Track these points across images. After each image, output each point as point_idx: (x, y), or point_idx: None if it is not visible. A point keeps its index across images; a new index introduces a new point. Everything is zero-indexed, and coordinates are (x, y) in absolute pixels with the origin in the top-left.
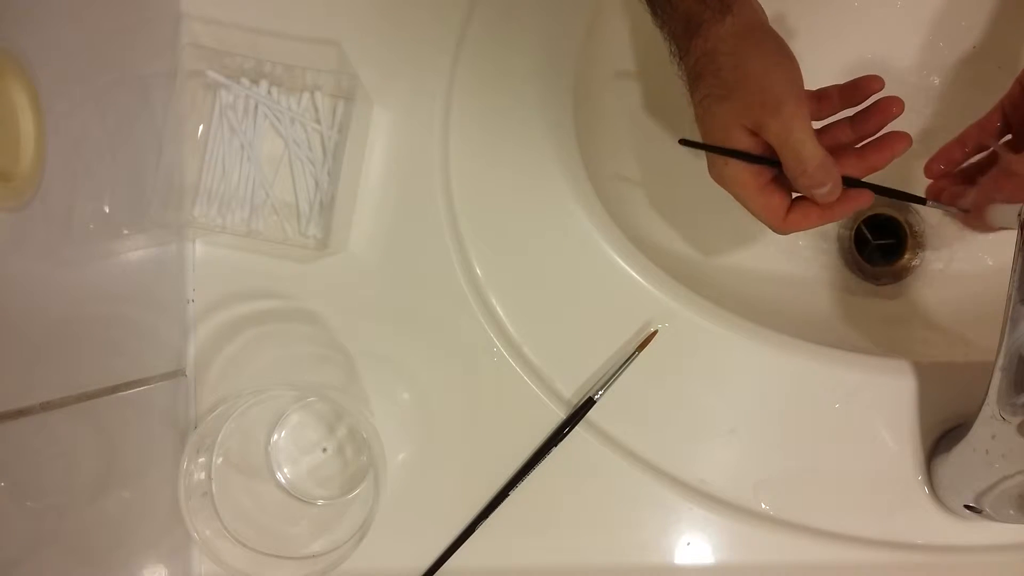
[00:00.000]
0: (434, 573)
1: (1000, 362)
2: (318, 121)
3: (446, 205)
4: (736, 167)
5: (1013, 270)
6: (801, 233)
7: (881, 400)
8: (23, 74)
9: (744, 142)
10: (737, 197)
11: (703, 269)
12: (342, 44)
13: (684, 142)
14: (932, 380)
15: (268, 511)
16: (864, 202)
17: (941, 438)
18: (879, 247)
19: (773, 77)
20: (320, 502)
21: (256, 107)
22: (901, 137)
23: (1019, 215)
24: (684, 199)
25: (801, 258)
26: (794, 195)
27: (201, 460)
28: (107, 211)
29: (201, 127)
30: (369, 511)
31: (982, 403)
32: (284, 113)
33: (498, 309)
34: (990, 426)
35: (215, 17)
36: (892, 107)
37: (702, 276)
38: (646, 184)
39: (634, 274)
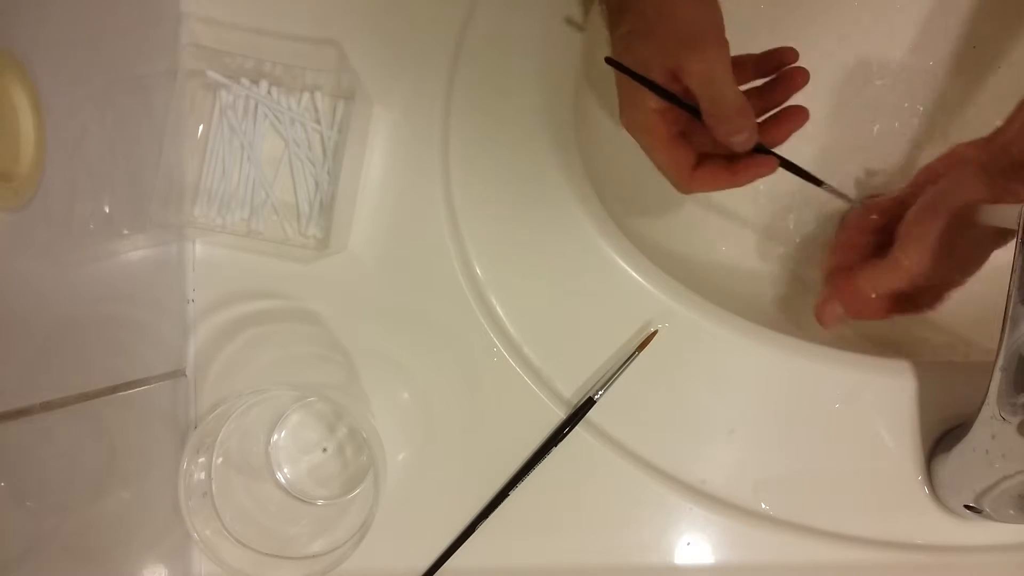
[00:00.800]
0: (434, 573)
1: (1000, 362)
2: (318, 121)
3: (446, 205)
4: (648, 115)
5: (1013, 270)
6: (801, 233)
7: (881, 400)
8: (23, 74)
9: (662, 83)
10: (644, 146)
11: (703, 269)
12: (342, 44)
13: (610, 61)
14: (932, 380)
15: (268, 511)
16: (769, 169)
17: (941, 438)
18: None
19: (697, 17)
20: (320, 502)
21: (256, 107)
22: (799, 111)
23: (1019, 215)
24: (684, 199)
25: (801, 258)
26: (700, 158)
27: (201, 460)
28: (107, 211)
29: (201, 127)
30: (369, 511)
31: (982, 403)
32: (284, 113)
33: (498, 309)
34: (990, 426)
35: (215, 17)
36: (798, 77)
37: (702, 276)
38: (646, 184)
39: (634, 274)
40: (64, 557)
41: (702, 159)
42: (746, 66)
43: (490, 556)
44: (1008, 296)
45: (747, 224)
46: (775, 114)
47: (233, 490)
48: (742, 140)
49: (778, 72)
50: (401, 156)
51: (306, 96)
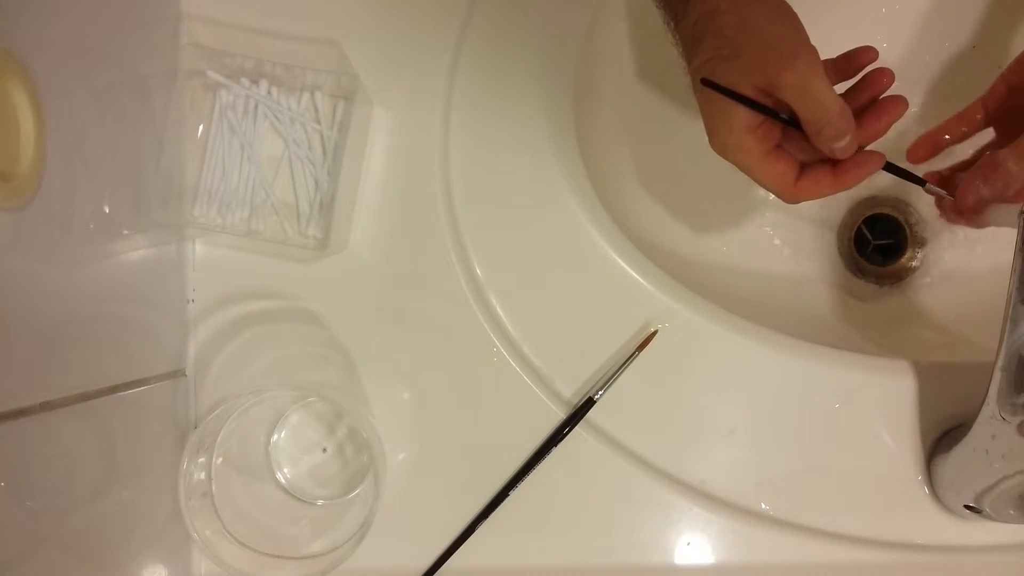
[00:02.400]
0: (434, 573)
1: (1000, 362)
2: (318, 121)
3: (446, 205)
4: (740, 135)
5: (1013, 270)
6: (801, 233)
7: (881, 400)
8: (23, 74)
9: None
10: (742, 166)
11: (703, 269)
12: (342, 44)
13: (706, 82)
14: (932, 380)
15: (268, 511)
16: (875, 165)
17: (941, 438)
18: (879, 247)
19: (782, 31)
20: (320, 502)
21: (256, 107)
22: (897, 101)
23: (1019, 215)
24: (684, 199)
25: (801, 258)
26: (801, 167)
27: (201, 460)
28: (107, 211)
29: (201, 127)
30: (369, 511)
31: (982, 403)
32: (284, 113)
33: (498, 309)
34: (990, 426)
35: (215, 17)
36: (883, 78)
37: (702, 276)
38: (646, 184)
39: (634, 274)
40: (64, 557)
41: (803, 168)
42: (826, 71)
43: (490, 556)
44: (1008, 296)
45: (747, 224)
46: (872, 107)
47: (233, 490)
48: (844, 145)
49: (860, 73)
50: (401, 156)
51: (306, 96)
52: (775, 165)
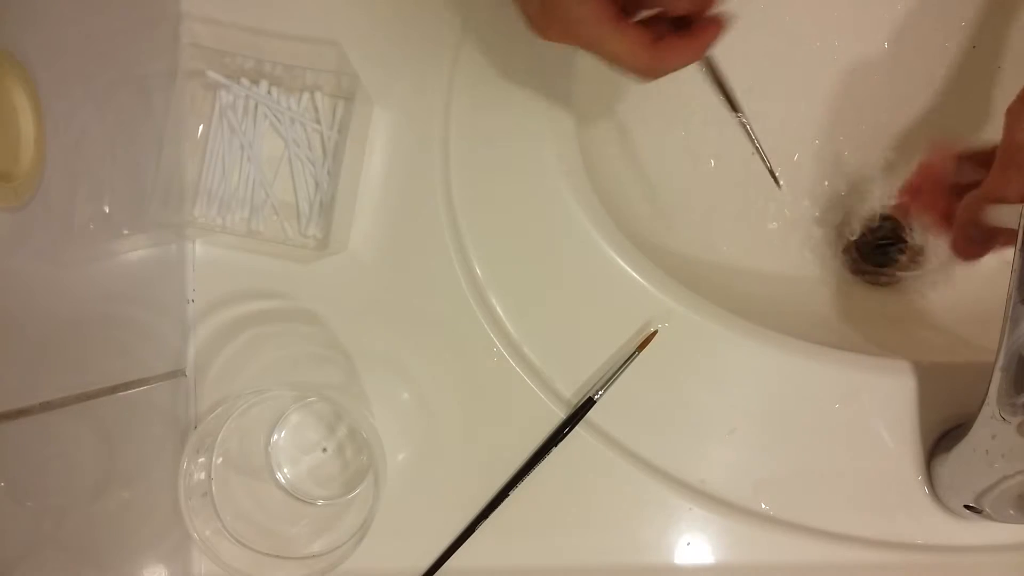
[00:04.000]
0: (434, 573)
1: (1000, 362)
2: (318, 121)
3: (446, 205)
4: (581, 5)
5: (1013, 270)
6: (801, 233)
7: (881, 400)
8: (23, 74)
9: None
10: (590, 41)
11: (703, 269)
12: (342, 44)
13: None
14: (932, 380)
15: (268, 511)
16: (720, 26)
17: (941, 438)
18: (879, 247)
19: None
20: (320, 502)
21: (256, 107)
22: (714, 22)
23: (1020, 215)
24: (685, 199)
25: (801, 258)
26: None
27: (201, 460)
28: (107, 211)
29: (201, 127)
30: (369, 511)
31: (982, 403)
32: (284, 113)
33: (498, 309)
34: (990, 426)
35: (215, 17)
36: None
37: (702, 276)
38: (647, 184)
39: (634, 274)
40: (64, 557)
41: (655, 38)
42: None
43: (490, 556)
44: (1008, 296)
45: (747, 224)
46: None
47: (233, 490)
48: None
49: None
50: (401, 156)
51: (306, 96)
52: (629, 32)
